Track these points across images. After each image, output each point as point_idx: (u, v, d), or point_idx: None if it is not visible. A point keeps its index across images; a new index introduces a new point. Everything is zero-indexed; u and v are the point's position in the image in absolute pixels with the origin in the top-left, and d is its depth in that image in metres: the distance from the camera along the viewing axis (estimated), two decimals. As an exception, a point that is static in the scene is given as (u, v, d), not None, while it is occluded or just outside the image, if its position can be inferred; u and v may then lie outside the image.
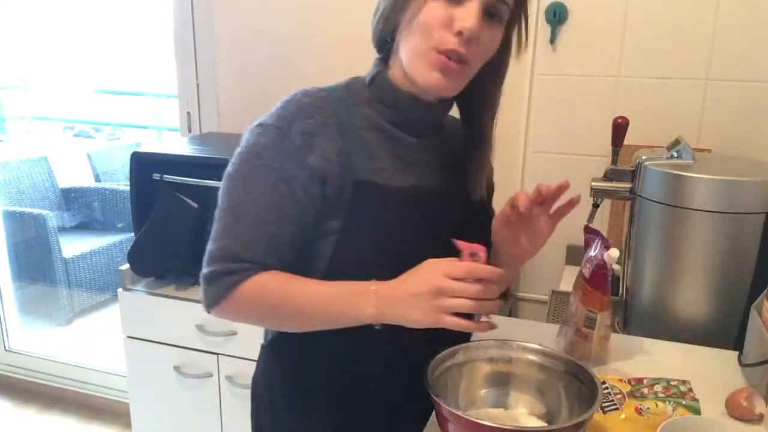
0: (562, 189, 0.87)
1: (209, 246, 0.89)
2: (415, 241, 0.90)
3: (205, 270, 0.89)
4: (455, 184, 1.00)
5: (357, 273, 0.86)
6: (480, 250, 0.81)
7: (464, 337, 0.96)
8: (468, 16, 0.84)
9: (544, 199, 0.88)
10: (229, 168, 0.90)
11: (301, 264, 0.92)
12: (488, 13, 0.86)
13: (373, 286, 0.84)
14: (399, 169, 0.94)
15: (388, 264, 0.85)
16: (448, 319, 0.79)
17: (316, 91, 0.93)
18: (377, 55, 0.97)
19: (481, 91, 0.95)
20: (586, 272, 1.08)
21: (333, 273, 0.89)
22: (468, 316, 0.80)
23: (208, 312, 0.91)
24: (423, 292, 0.80)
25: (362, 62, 0.98)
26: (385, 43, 0.94)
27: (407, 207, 0.93)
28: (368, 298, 0.83)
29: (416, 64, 0.88)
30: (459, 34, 0.84)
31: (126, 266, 1.86)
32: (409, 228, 0.92)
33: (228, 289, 0.87)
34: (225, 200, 0.89)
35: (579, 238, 1.30)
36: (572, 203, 0.89)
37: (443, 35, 0.85)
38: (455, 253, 0.85)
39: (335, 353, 0.95)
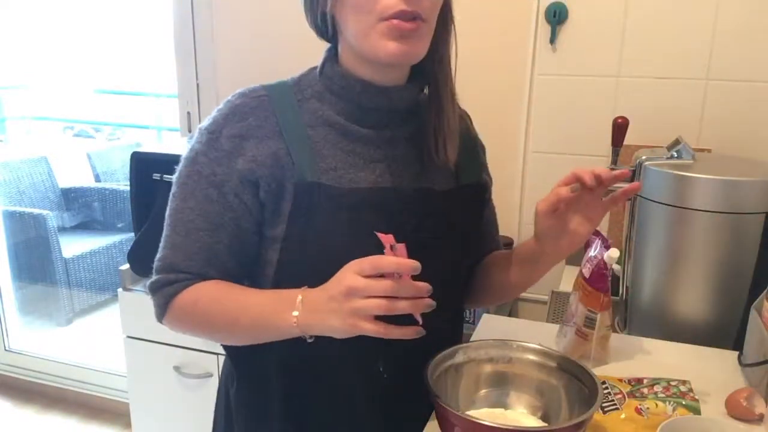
0: (620, 177, 0.83)
1: (156, 256, 0.88)
2: (371, 246, 0.81)
3: (149, 281, 0.88)
4: (431, 177, 0.92)
5: (305, 282, 0.79)
6: (392, 241, 0.71)
7: (416, 356, 0.84)
8: None
9: (602, 182, 0.82)
10: (175, 172, 0.88)
11: (251, 271, 0.90)
12: None
13: (300, 294, 0.76)
14: (356, 166, 0.87)
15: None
16: (364, 324, 0.70)
17: (257, 89, 0.87)
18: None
19: (431, 52, 0.86)
20: (586, 272, 1.08)
21: (281, 281, 0.85)
22: (407, 320, 0.71)
23: (161, 323, 0.90)
24: (336, 295, 0.72)
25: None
26: (325, 29, 0.86)
27: (363, 209, 0.85)
28: (293, 307, 0.76)
29: (368, 41, 0.80)
30: None
31: (126, 266, 1.87)
32: (363, 231, 0.80)
33: (167, 300, 0.86)
34: (168, 208, 0.88)
35: (579, 238, 1.30)
36: (630, 191, 0.84)
37: (383, 1, 0.77)
38: (421, 257, 0.78)
39: (287, 370, 0.90)
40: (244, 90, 0.88)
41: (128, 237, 3.48)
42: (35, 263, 3.44)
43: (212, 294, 0.85)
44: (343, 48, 0.87)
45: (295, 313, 0.76)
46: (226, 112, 0.86)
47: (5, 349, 2.87)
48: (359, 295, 0.70)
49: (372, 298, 0.70)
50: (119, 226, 3.83)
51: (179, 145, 1.96)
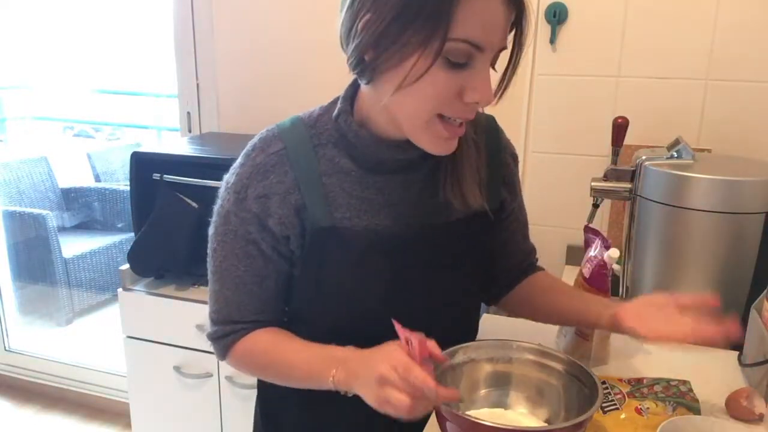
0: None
1: (208, 307, 0.95)
2: (379, 288, 0.88)
3: (208, 330, 0.96)
4: (446, 208, 0.92)
5: (320, 318, 0.89)
6: (414, 338, 0.75)
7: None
8: (481, 86, 0.77)
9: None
10: (211, 226, 0.92)
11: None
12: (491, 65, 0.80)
13: (340, 352, 0.83)
14: (369, 212, 0.88)
15: (350, 314, 0.88)
16: (390, 410, 0.75)
17: (275, 141, 0.87)
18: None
19: None
20: (586, 272, 1.08)
21: (299, 317, 0.93)
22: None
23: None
24: (371, 377, 0.76)
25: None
26: (363, 72, 0.81)
27: (372, 252, 0.88)
28: (334, 368, 0.82)
29: (417, 131, 0.81)
30: (474, 103, 0.78)
31: (126, 266, 1.86)
32: (372, 275, 0.88)
33: (227, 349, 0.94)
34: (210, 262, 0.93)
35: (579, 238, 1.30)
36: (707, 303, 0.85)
37: (452, 104, 0.78)
38: (426, 301, 0.90)
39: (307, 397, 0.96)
40: (262, 144, 0.88)
41: (128, 237, 3.48)
42: (35, 263, 3.44)
43: (263, 346, 0.92)
44: (366, 96, 0.85)
45: (333, 371, 0.81)
46: (249, 170, 0.87)
47: (5, 349, 2.87)
48: (391, 386, 0.74)
49: (399, 393, 0.73)
50: (119, 226, 3.83)
51: (179, 145, 1.96)
